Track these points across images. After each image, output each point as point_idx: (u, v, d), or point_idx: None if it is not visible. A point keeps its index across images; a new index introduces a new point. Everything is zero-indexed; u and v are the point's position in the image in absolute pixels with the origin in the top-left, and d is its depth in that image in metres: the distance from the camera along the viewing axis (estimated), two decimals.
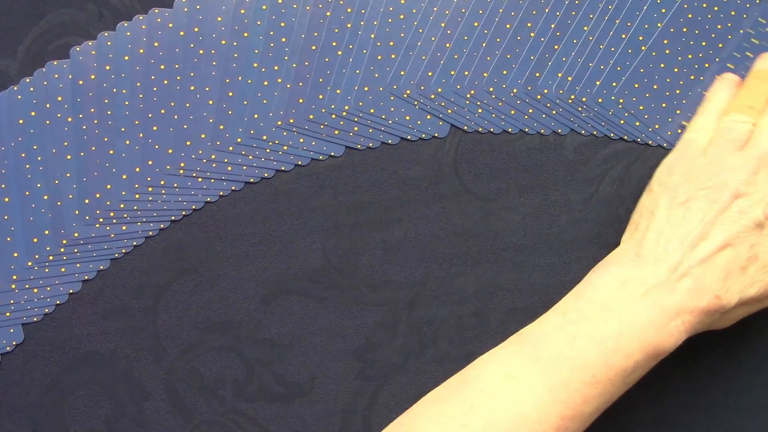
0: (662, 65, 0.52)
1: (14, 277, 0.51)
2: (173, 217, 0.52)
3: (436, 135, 0.52)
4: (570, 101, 0.52)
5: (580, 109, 0.52)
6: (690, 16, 0.52)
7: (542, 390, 0.40)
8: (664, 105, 0.52)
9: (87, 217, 0.51)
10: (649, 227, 0.43)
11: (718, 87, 0.47)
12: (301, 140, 0.52)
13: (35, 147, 0.51)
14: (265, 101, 0.51)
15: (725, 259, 0.41)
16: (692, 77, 0.52)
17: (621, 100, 0.52)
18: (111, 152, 0.51)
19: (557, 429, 0.40)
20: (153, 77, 0.51)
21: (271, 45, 0.51)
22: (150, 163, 0.51)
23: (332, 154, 0.52)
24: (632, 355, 0.41)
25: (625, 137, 0.52)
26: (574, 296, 0.43)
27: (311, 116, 0.51)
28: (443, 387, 0.43)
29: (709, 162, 0.43)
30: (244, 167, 0.51)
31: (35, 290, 0.51)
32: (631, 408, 0.52)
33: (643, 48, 0.52)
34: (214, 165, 0.51)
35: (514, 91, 0.52)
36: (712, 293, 0.41)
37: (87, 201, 0.51)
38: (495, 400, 0.40)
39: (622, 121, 0.52)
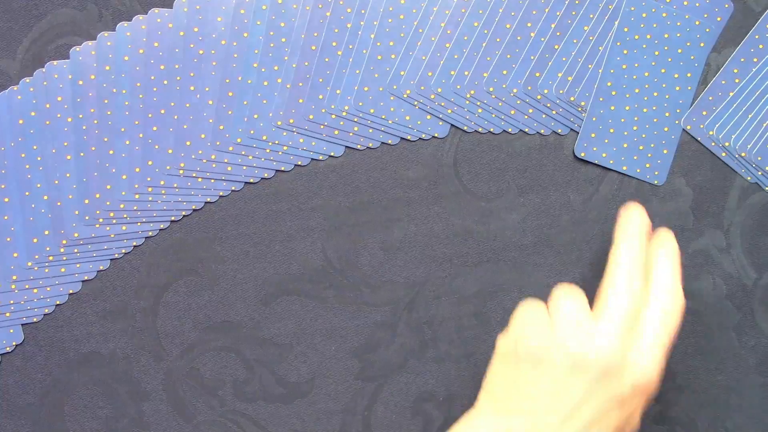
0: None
1: (14, 278, 0.51)
2: (173, 218, 0.52)
3: (436, 135, 0.52)
4: (570, 101, 0.52)
5: (579, 109, 0.52)
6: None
7: None
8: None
9: (87, 218, 0.51)
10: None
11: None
12: (301, 140, 0.52)
13: (35, 147, 0.51)
14: (264, 101, 0.51)
15: None
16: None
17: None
18: (111, 152, 0.51)
19: None
20: (153, 77, 0.51)
21: (271, 45, 0.51)
22: (150, 163, 0.51)
23: (332, 154, 0.52)
24: None
25: None
26: None
27: (311, 116, 0.51)
28: None
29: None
30: (244, 167, 0.51)
31: (35, 290, 0.51)
32: None
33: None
34: (213, 165, 0.51)
35: (514, 91, 0.52)
36: None
37: (87, 201, 0.51)
38: None
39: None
